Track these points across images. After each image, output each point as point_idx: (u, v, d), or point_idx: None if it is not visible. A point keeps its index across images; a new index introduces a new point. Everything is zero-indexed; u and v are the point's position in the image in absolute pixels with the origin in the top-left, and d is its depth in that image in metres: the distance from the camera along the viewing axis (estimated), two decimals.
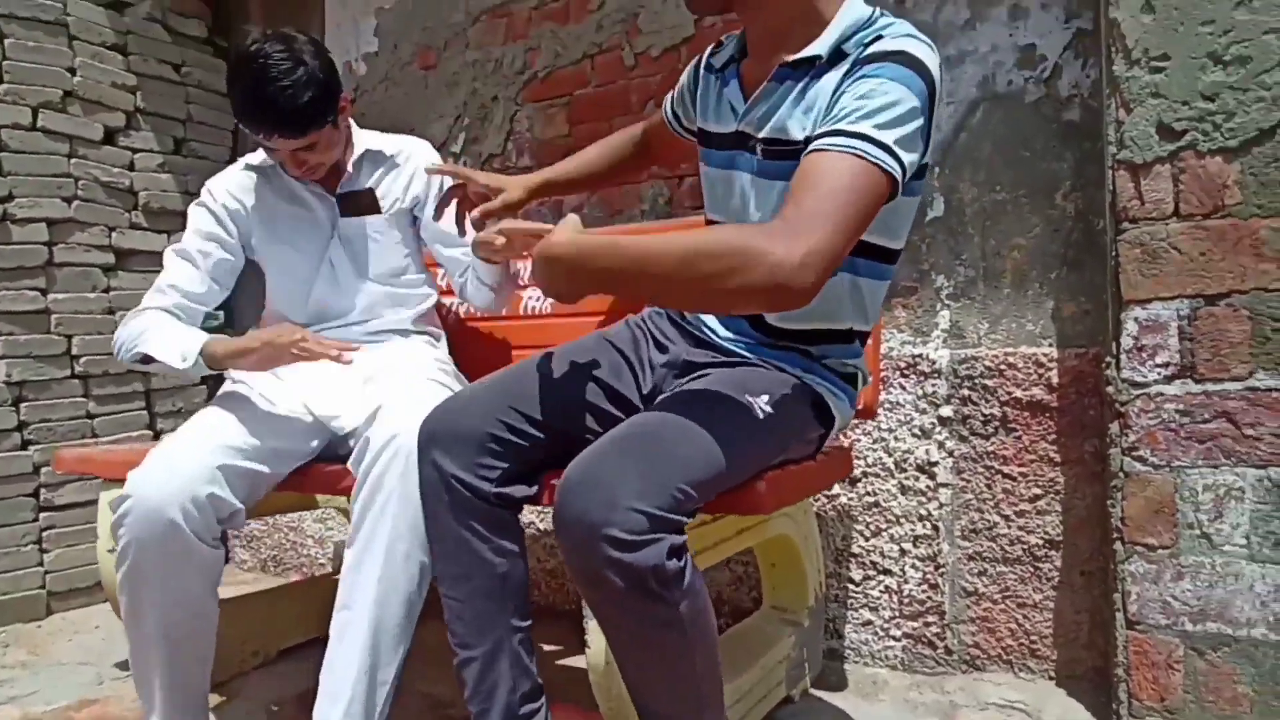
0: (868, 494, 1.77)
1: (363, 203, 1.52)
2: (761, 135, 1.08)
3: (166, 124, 2.72)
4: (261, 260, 1.60)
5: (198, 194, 3.05)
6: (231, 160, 2.93)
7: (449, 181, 1.45)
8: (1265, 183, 1.29)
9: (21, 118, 2.36)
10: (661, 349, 1.23)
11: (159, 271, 2.72)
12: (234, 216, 1.52)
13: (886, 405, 1.74)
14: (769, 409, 1.05)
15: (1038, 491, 1.61)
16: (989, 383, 1.64)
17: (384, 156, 1.57)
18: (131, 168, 2.61)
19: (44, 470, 2.36)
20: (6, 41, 2.34)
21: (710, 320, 1.24)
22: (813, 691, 1.65)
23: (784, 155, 1.04)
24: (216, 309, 2.58)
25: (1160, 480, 1.37)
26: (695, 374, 1.14)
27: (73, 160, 2.46)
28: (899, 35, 0.99)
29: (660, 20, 2.03)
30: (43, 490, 2.37)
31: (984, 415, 1.65)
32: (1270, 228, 1.29)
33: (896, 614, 1.74)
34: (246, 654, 1.88)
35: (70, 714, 1.69)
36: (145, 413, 2.64)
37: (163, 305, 1.42)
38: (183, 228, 2.76)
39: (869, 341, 1.27)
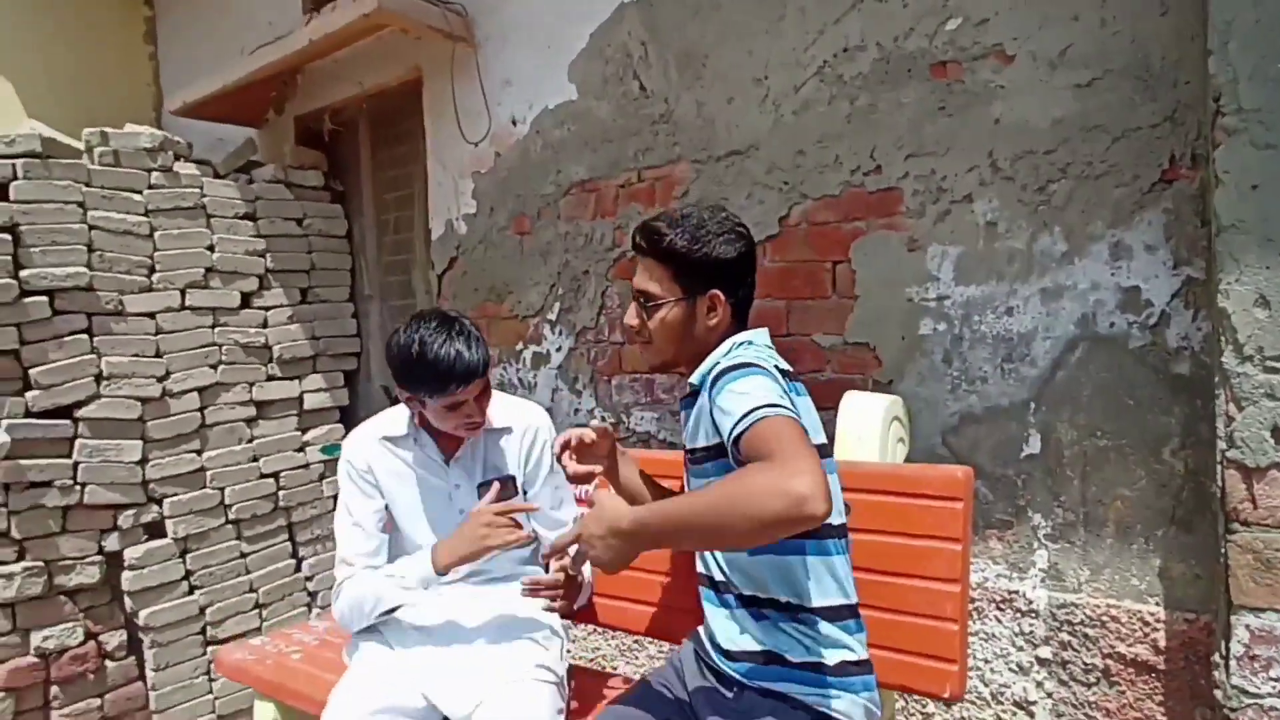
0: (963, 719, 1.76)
1: (506, 489, 1.63)
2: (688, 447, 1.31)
3: (293, 277, 2.96)
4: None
5: (323, 339, 3.30)
6: (350, 299, 3.16)
7: (553, 464, 1.61)
8: None
9: (172, 300, 2.64)
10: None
11: (295, 416, 2.97)
12: (373, 479, 1.65)
13: (982, 635, 1.71)
14: None
15: None
16: (1090, 631, 1.59)
17: (503, 428, 1.67)
18: (265, 325, 2.87)
19: (208, 610, 2.68)
20: (157, 235, 2.61)
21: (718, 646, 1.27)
22: None
23: (696, 460, 1.27)
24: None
25: None
26: None
27: (216, 329, 2.74)
28: (727, 353, 1.21)
29: (745, 214, 2.02)
30: (208, 628, 2.69)
31: (1085, 664, 1.60)
32: None
33: None
34: None
35: None
36: (289, 544, 2.93)
37: (355, 574, 1.59)
38: (312, 371, 3.01)
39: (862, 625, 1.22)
